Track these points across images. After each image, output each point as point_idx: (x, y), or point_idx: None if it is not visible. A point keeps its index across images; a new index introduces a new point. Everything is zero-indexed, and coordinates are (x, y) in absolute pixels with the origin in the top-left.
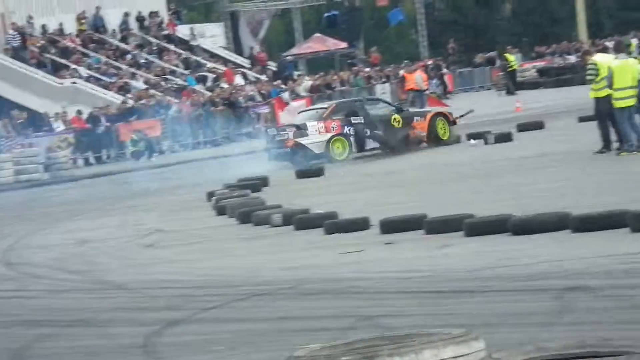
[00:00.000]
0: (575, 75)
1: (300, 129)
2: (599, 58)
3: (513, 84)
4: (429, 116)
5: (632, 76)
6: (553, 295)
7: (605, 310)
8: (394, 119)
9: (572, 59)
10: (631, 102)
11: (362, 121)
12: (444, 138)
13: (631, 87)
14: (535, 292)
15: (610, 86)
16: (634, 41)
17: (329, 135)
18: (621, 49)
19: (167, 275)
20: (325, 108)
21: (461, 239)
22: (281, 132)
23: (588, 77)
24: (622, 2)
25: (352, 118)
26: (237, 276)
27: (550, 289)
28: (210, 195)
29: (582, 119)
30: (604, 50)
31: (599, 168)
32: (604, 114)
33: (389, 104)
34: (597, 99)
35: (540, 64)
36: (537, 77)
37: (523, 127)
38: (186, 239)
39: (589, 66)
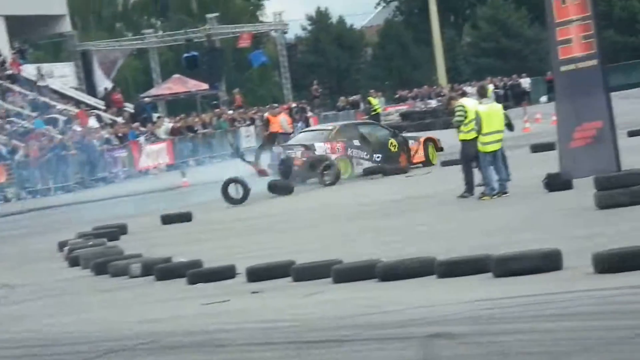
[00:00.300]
0: (437, 120)
1: (309, 149)
2: (466, 102)
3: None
4: (421, 140)
5: (499, 120)
6: (419, 342)
7: (469, 357)
8: (391, 142)
9: (433, 103)
10: (497, 146)
11: (360, 144)
12: (433, 162)
13: (498, 132)
14: (402, 340)
15: (479, 131)
16: (491, 86)
17: (334, 156)
18: (485, 93)
19: (12, 334)
20: (330, 130)
21: (329, 285)
22: (288, 151)
23: (457, 120)
24: (478, 49)
25: (353, 141)
26: (92, 332)
27: (416, 336)
28: (62, 245)
29: (445, 163)
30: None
31: (462, 212)
32: (470, 157)
33: (386, 128)
34: (464, 142)
35: (402, 107)
36: (400, 120)
37: (388, 172)
38: (36, 293)
39: (457, 109)
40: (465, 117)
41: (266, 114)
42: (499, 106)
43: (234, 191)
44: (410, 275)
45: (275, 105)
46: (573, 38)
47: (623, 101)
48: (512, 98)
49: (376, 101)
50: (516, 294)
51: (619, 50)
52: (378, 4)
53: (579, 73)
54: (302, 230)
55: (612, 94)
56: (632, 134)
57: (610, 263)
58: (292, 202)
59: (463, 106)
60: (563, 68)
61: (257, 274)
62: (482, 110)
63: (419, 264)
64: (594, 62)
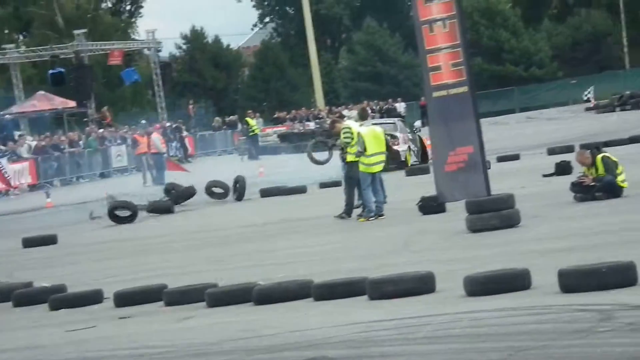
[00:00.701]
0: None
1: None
2: (352, 124)
3: (255, 149)
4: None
5: (380, 142)
6: None
7: None
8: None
9: (311, 125)
10: (379, 167)
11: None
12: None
13: (380, 153)
14: None
15: (362, 152)
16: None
17: (405, 146)
18: (365, 116)
19: None
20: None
21: (203, 310)
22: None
23: (345, 141)
24: (355, 73)
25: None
26: None
27: None
28: None
29: (323, 185)
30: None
31: (340, 234)
32: (354, 179)
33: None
34: (350, 164)
35: (281, 129)
36: (279, 142)
37: (265, 193)
38: None
39: (344, 131)
40: (352, 139)
41: (138, 133)
42: (380, 129)
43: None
44: (286, 298)
45: (146, 123)
46: (442, 65)
47: (492, 127)
48: None
49: (254, 122)
50: (391, 316)
51: (487, 78)
52: (255, 25)
53: (450, 99)
54: (178, 252)
55: (482, 120)
56: (501, 159)
57: (481, 286)
58: (172, 223)
59: (350, 128)
60: (435, 94)
61: (126, 299)
62: (363, 132)
63: (295, 287)
64: (464, 88)
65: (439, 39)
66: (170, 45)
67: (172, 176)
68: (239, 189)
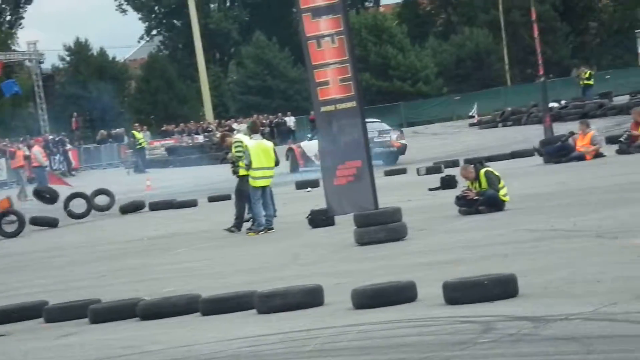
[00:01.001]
0: (204, 155)
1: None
2: (243, 137)
3: (142, 162)
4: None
5: (269, 157)
6: None
7: None
8: None
9: (200, 138)
10: (267, 182)
11: None
12: None
13: (268, 168)
14: None
15: (249, 165)
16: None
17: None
18: (256, 129)
19: None
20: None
21: (86, 326)
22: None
23: (237, 155)
24: (245, 87)
25: None
26: None
27: None
28: None
29: (212, 199)
30: (231, 130)
31: (229, 248)
32: (245, 192)
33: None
34: (241, 177)
35: (169, 142)
36: (166, 155)
37: (154, 207)
38: None
39: (236, 144)
40: (244, 153)
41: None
42: (269, 143)
43: (8, 224)
44: (173, 313)
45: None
46: (330, 80)
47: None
48: (278, 136)
49: (141, 135)
50: (279, 330)
51: (375, 93)
52: (141, 37)
53: (338, 114)
54: (63, 268)
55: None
56: (388, 173)
57: (368, 298)
58: (58, 237)
59: (241, 142)
60: (323, 108)
61: (4, 316)
62: (250, 145)
63: (182, 302)
64: (352, 103)
65: (327, 55)
66: (53, 56)
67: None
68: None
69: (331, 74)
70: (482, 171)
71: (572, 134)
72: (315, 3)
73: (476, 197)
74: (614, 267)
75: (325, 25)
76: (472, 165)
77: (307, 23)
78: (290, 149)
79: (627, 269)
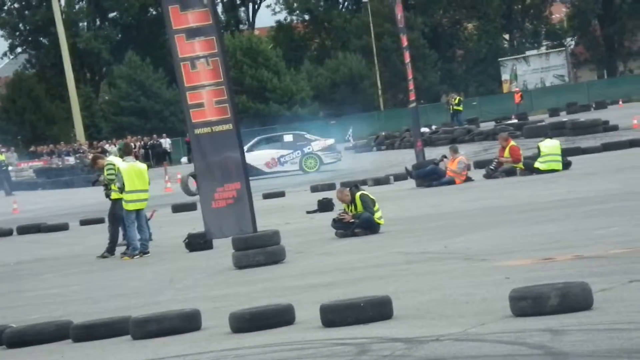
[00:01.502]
0: (75, 177)
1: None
2: (115, 160)
3: (8, 184)
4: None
5: (143, 179)
6: None
7: None
8: None
9: (71, 160)
10: (140, 205)
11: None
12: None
13: (142, 191)
14: None
15: (121, 188)
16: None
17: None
18: (129, 151)
19: None
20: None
21: None
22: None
23: (109, 178)
24: (117, 108)
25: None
26: None
27: None
28: None
29: (84, 222)
30: (104, 152)
31: (103, 272)
32: (118, 216)
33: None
34: (115, 201)
35: (37, 164)
36: (35, 177)
37: (22, 230)
38: None
39: (108, 167)
40: (116, 176)
41: None
42: (143, 165)
43: None
44: (43, 340)
45: None
46: (205, 102)
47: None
48: (153, 158)
49: (3, 157)
50: (154, 356)
51: (252, 116)
52: (5, 54)
53: (215, 136)
54: None
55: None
56: (267, 196)
57: (246, 322)
58: None
59: (113, 164)
60: (197, 131)
61: None
62: (123, 167)
63: (51, 329)
64: (228, 126)
65: (201, 76)
66: None
67: None
68: None
69: (206, 96)
70: (358, 194)
71: (443, 157)
72: (188, 24)
73: (352, 220)
74: (481, 289)
75: (199, 47)
76: (348, 189)
77: (180, 44)
78: None
79: (494, 290)
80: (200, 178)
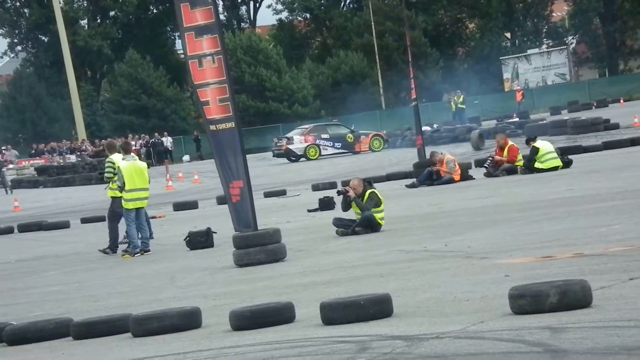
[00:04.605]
0: (77, 175)
1: (290, 140)
2: (116, 158)
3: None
4: (370, 136)
5: (143, 178)
6: None
7: None
8: (349, 136)
9: (73, 158)
10: (141, 203)
11: (329, 137)
12: (379, 149)
13: (142, 189)
14: None
15: (122, 187)
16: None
17: (306, 144)
18: (129, 149)
19: None
20: (306, 128)
21: None
22: (279, 141)
23: (107, 176)
24: (119, 106)
25: (321, 134)
26: None
27: None
28: None
29: (85, 220)
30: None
31: (104, 270)
32: (118, 213)
33: (345, 126)
34: (114, 199)
35: (38, 162)
36: (36, 175)
37: (24, 228)
38: None
39: (107, 164)
40: (115, 174)
41: None
42: (143, 164)
43: None
44: (43, 338)
45: None
46: (211, 100)
47: (260, 163)
48: (154, 156)
49: None
50: (155, 353)
51: (252, 115)
52: (5, 53)
53: (220, 134)
54: None
55: (250, 155)
56: (268, 194)
57: (247, 320)
58: None
59: (113, 162)
60: (211, 127)
61: None
62: (123, 166)
63: (52, 326)
64: (231, 124)
65: (207, 74)
66: None
67: None
68: None
69: (211, 94)
70: (369, 191)
71: (432, 167)
72: (197, 22)
73: (352, 199)
74: (481, 287)
75: (206, 45)
76: (363, 181)
77: (189, 42)
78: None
79: (494, 288)
80: (220, 174)
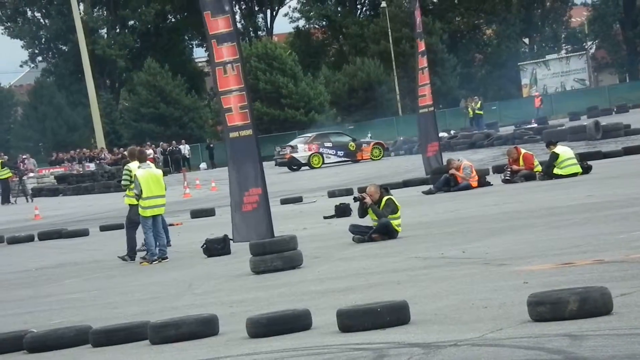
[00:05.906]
0: (96, 183)
1: (293, 148)
2: (133, 166)
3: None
4: (371, 144)
5: (159, 186)
6: None
7: None
8: (351, 145)
9: (92, 166)
10: (157, 211)
11: (332, 145)
12: (379, 158)
13: (158, 197)
14: None
15: (139, 195)
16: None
17: (310, 152)
18: (143, 158)
19: None
20: (309, 136)
21: None
22: (282, 150)
23: (123, 183)
24: (138, 114)
25: (325, 142)
26: None
27: None
28: None
29: (104, 228)
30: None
31: (122, 278)
32: (135, 221)
33: (347, 135)
34: (131, 206)
35: (58, 170)
36: (56, 183)
37: (44, 236)
38: None
39: (124, 172)
40: (131, 182)
41: None
42: (159, 171)
43: None
44: (63, 345)
45: None
46: (233, 107)
47: (276, 169)
48: (172, 164)
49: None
50: None
51: (268, 122)
52: (25, 63)
53: (240, 141)
54: None
55: (266, 163)
56: (284, 201)
57: (263, 327)
58: None
59: (130, 170)
60: (231, 134)
61: None
62: (140, 174)
63: (72, 334)
64: (249, 131)
65: (230, 82)
66: None
67: None
68: None
69: (233, 101)
70: (386, 197)
71: (450, 175)
72: (219, 30)
73: (368, 206)
74: (500, 294)
75: (227, 52)
76: (380, 188)
77: (215, 49)
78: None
79: (512, 295)
80: (232, 182)
